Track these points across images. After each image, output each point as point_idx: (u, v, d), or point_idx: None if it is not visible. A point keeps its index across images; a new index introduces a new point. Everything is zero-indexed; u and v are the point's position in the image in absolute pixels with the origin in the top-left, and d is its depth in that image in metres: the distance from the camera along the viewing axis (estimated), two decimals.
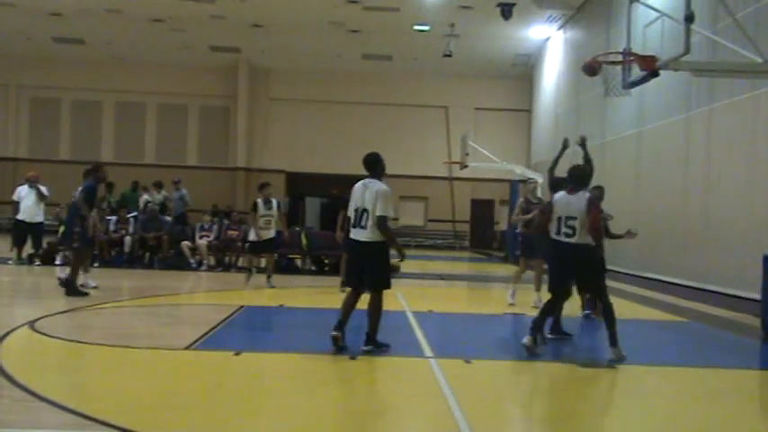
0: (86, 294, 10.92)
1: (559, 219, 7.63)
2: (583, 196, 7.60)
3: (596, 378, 7.23)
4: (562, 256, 7.64)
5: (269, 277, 12.96)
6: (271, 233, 13.04)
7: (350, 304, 7.58)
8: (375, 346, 7.40)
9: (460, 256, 27.70)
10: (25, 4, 25.15)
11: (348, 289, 7.90)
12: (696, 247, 14.24)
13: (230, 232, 16.79)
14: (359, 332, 7.58)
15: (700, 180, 14.40)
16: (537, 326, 7.71)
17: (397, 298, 12.11)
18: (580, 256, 7.51)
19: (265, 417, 5.30)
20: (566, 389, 6.85)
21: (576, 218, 7.49)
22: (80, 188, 11.25)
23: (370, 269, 7.45)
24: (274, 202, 13.16)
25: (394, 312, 10.74)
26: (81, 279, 11.77)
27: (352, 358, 7.16)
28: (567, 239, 7.54)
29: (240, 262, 16.32)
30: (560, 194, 7.80)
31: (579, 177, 7.76)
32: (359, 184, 7.58)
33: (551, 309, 7.89)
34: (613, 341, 7.49)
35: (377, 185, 7.43)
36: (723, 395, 6.66)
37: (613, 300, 9.28)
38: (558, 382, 7.14)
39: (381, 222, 7.31)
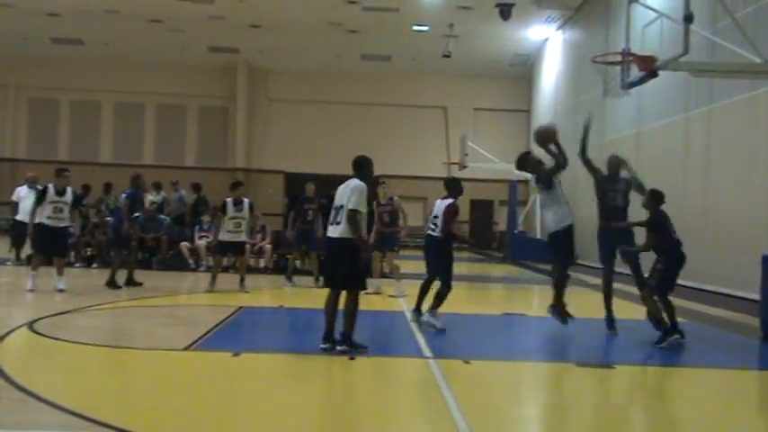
0: (120, 287, 12.10)
1: (431, 216, 9.30)
2: (446, 202, 9.14)
3: (594, 378, 7.23)
4: (426, 246, 9.42)
5: (242, 280, 12.54)
6: (241, 237, 12.63)
7: (331, 307, 7.53)
8: (350, 347, 7.34)
9: (459, 257, 27.67)
10: (23, 5, 25.13)
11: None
12: (695, 247, 14.18)
13: None
14: (362, 331, 7.56)
15: (699, 180, 14.41)
16: (418, 305, 9.44)
17: (396, 298, 12.11)
18: (436, 244, 9.16)
19: (264, 417, 5.29)
20: (564, 389, 6.85)
21: (438, 217, 9.11)
22: (123, 195, 12.84)
23: (341, 267, 7.42)
24: (246, 202, 12.66)
25: (393, 313, 10.75)
26: (55, 281, 11.53)
27: (352, 359, 7.15)
28: (430, 232, 9.19)
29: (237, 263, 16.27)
30: (438, 200, 9.35)
31: (449, 188, 9.34)
32: (342, 186, 7.63)
33: (425, 288, 9.53)
34: (435, 306, 8.95)
35: (354, 182, 7.49)
36: (722, 395, 6.66)
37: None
38: (557, 381, 7.14)
39: (351, 215, 7.31)
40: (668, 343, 8.32)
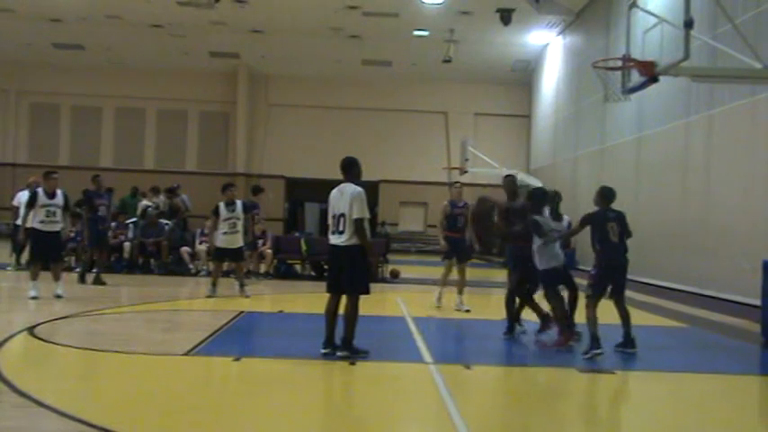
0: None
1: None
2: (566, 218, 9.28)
3: (595, 383, 7.22)
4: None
5: (242, 286, 12.48)
6: (238, 239, 12.45)
7: (331, 312, 7.54)
8: (351, 352, 7.34)
9: None
10: (25, 10, 25.19)
11: None
12: (696, 253, 14.24)
13: None
14: (362, 336, 7.56)
15: (699, 185, 14.40)
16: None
17: (397, 303, 12.12)
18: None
19: (265, 422, 5.29)
20: (565, 394, 6.84)
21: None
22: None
23: (346, 272, 7.42)
24: (239, 203, 12.57)
25: (393, 318, 10.75)
26: (53, 287, 11.49)
27: (352, 364, 7.15)
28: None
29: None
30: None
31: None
32: (335, 191, 7.59)
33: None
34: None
35: (350, 188, 7.45)
36: (723, 401, 6.65)
37: (611, 303, 9.27)
38: (558, 387, 7.13)
39: (358, 225, 7.32)
40: (590, 355, 7.81)
